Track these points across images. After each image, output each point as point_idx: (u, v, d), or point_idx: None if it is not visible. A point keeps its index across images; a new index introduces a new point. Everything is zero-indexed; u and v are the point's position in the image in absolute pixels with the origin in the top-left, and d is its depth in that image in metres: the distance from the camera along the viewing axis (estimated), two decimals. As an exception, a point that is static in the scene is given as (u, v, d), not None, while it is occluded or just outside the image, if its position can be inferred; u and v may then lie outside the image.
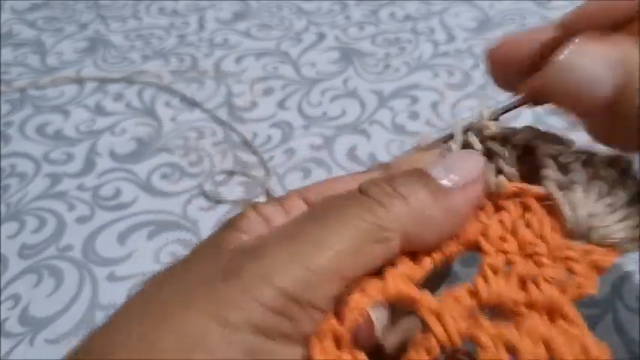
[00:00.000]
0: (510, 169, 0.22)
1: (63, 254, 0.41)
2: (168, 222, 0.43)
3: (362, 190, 0.20)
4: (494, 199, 0.22)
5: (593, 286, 0.20)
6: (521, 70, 0.23)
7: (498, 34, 0.59)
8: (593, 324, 0.35)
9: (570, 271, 0.20)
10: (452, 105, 0.51)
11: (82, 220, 0.44)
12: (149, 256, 0.41)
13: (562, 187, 0.21)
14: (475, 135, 0.23)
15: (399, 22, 0.63)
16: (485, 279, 0.20)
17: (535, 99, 0.22)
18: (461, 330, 0.18)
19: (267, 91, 0.55)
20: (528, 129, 0.23)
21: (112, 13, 0.67)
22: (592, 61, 0.20)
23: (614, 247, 0.21)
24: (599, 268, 0.20)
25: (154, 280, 0.20)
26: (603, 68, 0.19)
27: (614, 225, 0.21)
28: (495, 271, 0.20)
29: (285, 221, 0.20)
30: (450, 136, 0.23)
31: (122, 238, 0.42)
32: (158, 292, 0.19)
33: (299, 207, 0.22)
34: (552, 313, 0.19)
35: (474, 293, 0.20)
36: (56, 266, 0.41)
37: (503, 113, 0.23)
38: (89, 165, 0.48)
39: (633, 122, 0.19)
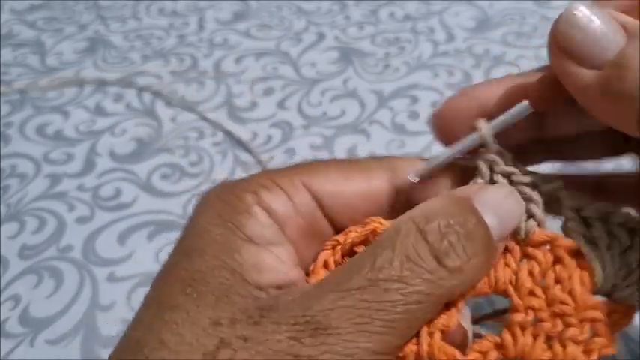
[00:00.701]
0: (542, 216, 0.22)
1: (63, 255, 0.41)
2: (169, 222, 0.43)
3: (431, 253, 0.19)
4: (522, 243, 0.22)
5: (614, 348, 0.20)
6: (465, 128, 0.23)
7: (498, 33, 0.59)
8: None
9: (595, 331, 0.20)
10: (452, 105, 0.51)
11: (82, 220, 0.44)
12: (149, 257, 0.41)
13: (586, 241, 0.21)
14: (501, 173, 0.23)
15: (398, 21, 0.63)
16: (514, 335, 0.20)
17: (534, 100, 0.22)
18: None
19: (267, 91, 0.55)
20: (556, 179, 0.23)
21: (112, 14, 0.67)
22: (606, 18, 0.19)
23: (633, 305, 0.21)
24: (619, 327, 0.21)
25: (193, 335, 0.18)
26: (614, 28, 0.19)
27: (633, 284, 0.21)
28: (523, 329, 0.20)
29: (334, 276, 0.19)
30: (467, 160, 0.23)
31: (122, 238, 0.42)
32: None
33: (308, 207, 0.21)
34: None
35: (500, 347, 0.20)
36: (56, 267, 0.41)
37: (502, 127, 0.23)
38: (89, 165, 0.48)
39: (629, 100, 0.18)
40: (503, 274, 0.21)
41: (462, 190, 0.21)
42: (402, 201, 0.23)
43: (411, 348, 0.19)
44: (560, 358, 0.20)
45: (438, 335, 0.20)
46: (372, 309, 0.17)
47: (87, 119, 0.53)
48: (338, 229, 0.23)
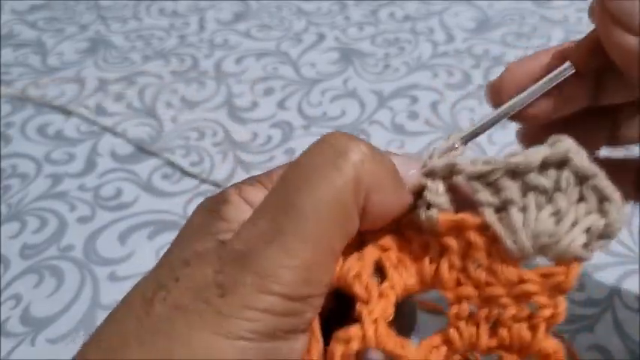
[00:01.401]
0: (438, 199, 0.21)
1: (64, 254, 0.41)
2: (169, 222, 0.43)
3: (331, 144, 0.21)
4: (436, 236, 0.21)
5: (562, 313, 0.19)
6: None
7: (497, 34, 0.59)
8: (592, 324, 0.35)
9: (535, 304, 0.19)
10: (451, 105, 0.52)
11: (83, 220, 0.44)
12: (150, 256, 0.41)
13: (498, 209, 0.20)
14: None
15: (398, 22, 0.63)
16: (457, 329, 0.20)
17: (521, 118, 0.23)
18: None
19: (268, 92, 0.55)
20: (447, 160, 0.21)
21: (113, 14, 0.67)
22: None
23: (575, 258, 0.19)
24: (563, 289, 0.19)
25: (139, 290, 0.20)
26: None
27: (565, 236, 0.19)
28: (464, 319, 0.20)
29: (261, 204, 0.20)
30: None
31: (123, 238, 0.42)
32: (150, 308, 0.18)
33: None
34: (528, 352, 0.19)
35: (448, 342, 0.20)
36: (57, 266, 0.41)
37: (472, 137, 0.23)
38: (90, 165, 0.48)
39: None
40: (430, 270, 0.21)
41: None
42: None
43: (355, 332, 0.19)
44: (508, 340, 0.19)
45: (383, 323, 0.19)
46: (283, 224, 0.18)
47: (88, 119, 0.53)
48: None
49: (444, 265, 0.20)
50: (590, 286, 0.37)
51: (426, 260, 0.21)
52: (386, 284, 0.20)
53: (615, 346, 0.34)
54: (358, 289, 0.20)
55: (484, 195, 0.20)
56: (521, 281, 0.19)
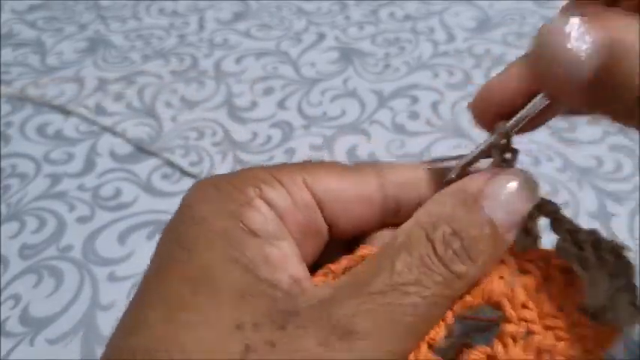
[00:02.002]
0: (539, 234, 0.22)
1: (63, 254, 0.41)
2: (169, 222, 0.43)
3: (426, 251, 0.19)
4: (518, 259, 0.22)
5: None
6: (504, 110, 0.23)
7: (498, 33, 0.59)
8: (593, 324, 0.35)
9: (584, 348, 0.20)
10: (452, 105, 0.52)
11: (82, 220, 0.44)
12: (149, 257, 0.41)
13: (578, 261, 0.21)
14: None
15: (398, 21, 0.63)
16: (505, 346, 0.20)
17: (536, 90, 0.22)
18: None
19: (267, 91, 0.55)
20: (554, 204, 0.23)
21: (112, 14, 0.67)
22: (575, 42, 0.17)
23: (617, 327, 0.21)
24: (604, 348, 0.21)
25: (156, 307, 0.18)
26: (587, 50, 0.17)
27: (621, 307, 0.21)
28: (515, 340, 0.20)
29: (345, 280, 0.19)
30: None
31: (122, 238, 0.42)
32: (174, 335, 0.17)
33: (308, 204, 0.21)
34: None
35: (491, 358, 0.20)
36: (56, 266, 0.41)
37: (519, 128, 0.23)
38: (89, 165, 0.48)
39: (627, 94, 0.17)
40: (498, 285, 0.21)
41: (469, 184, 0.21)
42: (390, 204, 0.23)
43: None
44: None
45: (424, 347, 0.20)
46: (395, 312, 0.18)
47: (87, 119, 0.53)
48: (332, 232, 0.23)
49: (519, 284, 0.21)
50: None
51: (496, 275, 0.22)
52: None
53: (615, 347, 0.34)
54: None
55: (570, 246, 0.22)
56: (583, 324, 0.20)
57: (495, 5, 0.63)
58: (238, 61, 0.59)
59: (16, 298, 0.39)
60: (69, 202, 0.45)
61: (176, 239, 0.20)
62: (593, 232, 0.22)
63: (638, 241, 0.40)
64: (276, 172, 0.22)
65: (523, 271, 0.22)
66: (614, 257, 0.21)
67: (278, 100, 0.54)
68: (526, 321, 0.21)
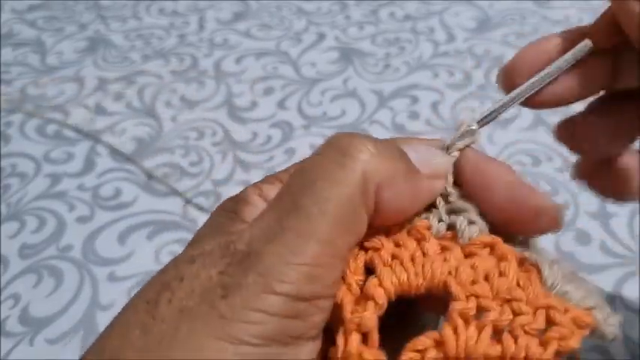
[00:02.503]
0: (484, 224, 0.21)
1: (63, 254, 0.41)
2: (168, 222, 0.43)
3: (335, 144, 0.19)
4: (464, 247, 0.20)
5: (576, 340, 0.17)
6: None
7: (498, 34, 0.59)
8: (592, 324, 0.35)
9: (551, 321, 0.18)
10: (452, 105, 0.52)
11: (82, 220, 0.44)
12: (149, 256, 0.41)
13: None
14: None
15: (398, 21, 0.63)
16: (455, 329, 0.17)
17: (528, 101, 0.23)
18: None
19: (267, 91, 0.55)
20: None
21: (112, 13, 0.67)
22: None
23: (589, 311, 0.19)
24: (580, 325, 0.18)
25: (143, 292, 0.19)
26: None
27: (583, 298, 0.19)
28: (466, 319, 0.18)
29: (266, 208, 0.19)
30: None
31: (122, 238, 0.42)
32: (155, 311, 0.18)
33: None
34: None
35: (440, 344, 0.17)
36: (56, 266, 0.41)
37: (488, 120, 0.23)
38: (89, 165, 0.48)
39: None
40: (441, 266, 0.19)
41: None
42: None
43: (332, 351, 0.18)
44: (511, 352, 0.17)
45: (355, 337, 0.18)
46: (286, 224, 0.18)
47: (87, 118, 0.53)
48: None
49: (466, 264, 0.19)
50: (590, 286, 0.37)
51: (439, 258, 0.19)
52: (373, 280, 0.19)
53: (615, 347, 0.34)
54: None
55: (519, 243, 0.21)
56: (546, 296, 0.18)
57: (495, 5, 0.63)
58: (238, 61, 0.59)
59: (16, 297, 0.39)
60: (69, 202, 0.45)
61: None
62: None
63: (638, 241, 0.40)
64: (278, 174, 0.22)
65: (470, 256, 0.20)
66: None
67: (278, 100, 0.54)
68: (476, 296, 0.18)
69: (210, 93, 0.55)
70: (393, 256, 0.20)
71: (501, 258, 0.19)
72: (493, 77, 0.54)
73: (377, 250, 0.20)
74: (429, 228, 0.21)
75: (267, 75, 0.57)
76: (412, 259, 0.19)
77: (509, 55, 0.61)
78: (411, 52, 0.58)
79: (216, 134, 0.50)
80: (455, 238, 0.20)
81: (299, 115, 0.52)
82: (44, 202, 0.45)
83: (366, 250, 0.20)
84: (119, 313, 0.19)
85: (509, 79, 0.24)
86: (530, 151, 0.46)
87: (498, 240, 0.20)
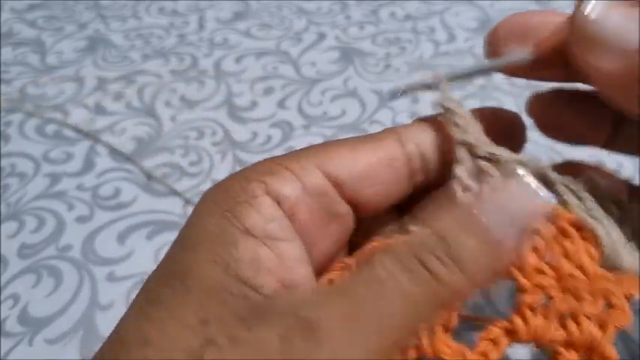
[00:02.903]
0: (547, 194, 0.21)
1: (62, 254, 0.41)
2: (168, 222, 0.43)
3: (407, 260, 0.17)
4: None
5: (629, 318, 0.19)
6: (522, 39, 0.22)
7: (499, 34, 0.59)
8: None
9: (609, 303, 0.19)
10: (452, 105, 0.51)
11: (81, 219, 0.44)
12: (149, 256, 0.41)
13: (586, 213, 0.21)
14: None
15: (399, 21, 0.63)
16: (524, 318, 0.19)
17: (541, 63, 0.22)
18: None
19: (267, 91, 0.55)
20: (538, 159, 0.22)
21: (112, 13, 0.67)
22: (620, 14, 0.18)
23: (635, 275, 0.20)
24: (630, 298, 0.20)
25: (143, 312, 0.17)
26: (632, 22, 0.18)
27: (632, 264, 0.20)
28: (533, 309, 0.20)
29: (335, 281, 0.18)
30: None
31: (122, 238, 0.42)
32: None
33: (321, 188, 0.20)
34: (591, 352, 0.19)
35: (510, 332, 0.19)
36: (55, 266, 0.40)
37: (463, 77, 0.23)
38: (89, 164, 0.48)
39: None
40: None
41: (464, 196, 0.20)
42: (416, 164, 0.22)
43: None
44: (575, 336, 0.19)
45: (439, 330, 0.19)
46: (365, 310, 0.16)
47: (87, 118, 0.53)
48: (359, 208, 0.21)
49: (529, 247, 0.20)
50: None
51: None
52: None
53: (616, 347, 0.34)
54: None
55: (573, 199, 0.21)
56: (605, 278, 0.20)
57: (496, 5, 0.63)
58: (238, 60, 0.59)
59: (15, 297, 0.39)
60: (68, 202, 0.45)
61: (177, 239, 0.19)
62: (589, 181, 0.22)
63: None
64: (284, 160, 0.20)
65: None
66: (616, 205, 0.21)
67: (278, 99, 0.54)
68: (542, 287, 0.20)
69: (210, 93, 0.55)
70: None
71: (562, 232, 0.20)
72: (494, 77, 0.54)
73: None
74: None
75: (267, 75, 0.57)
76: None
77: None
78: (411, 52, 0.58)
79: (216, 134, 0.50)
80: None
81: (299, 114, 0.52)
82: (43, 202, 0.45)
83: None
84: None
85: (494, 41, 0.24)
86: (529, 152, 0.46)
87: (557, 210, 0.21)
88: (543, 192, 0.20)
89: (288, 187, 0.19)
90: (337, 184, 0.20)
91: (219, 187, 0.20)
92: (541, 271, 0.20)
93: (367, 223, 0.22)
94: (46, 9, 0.68)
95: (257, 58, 0.59)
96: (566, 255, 0.20)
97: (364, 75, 0.56)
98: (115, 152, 0.49)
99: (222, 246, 0.18)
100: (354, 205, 0.21)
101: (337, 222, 0.21)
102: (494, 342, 0.19)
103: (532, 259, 0.20)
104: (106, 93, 0.56)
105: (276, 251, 0.19)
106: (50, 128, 0.52)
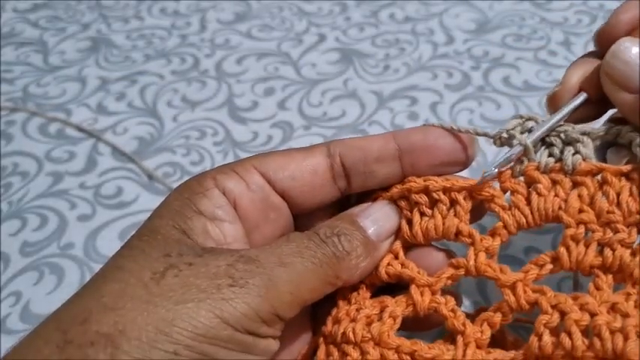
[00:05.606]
0: (588, 152, 0.25)
1: (64, 252, 0.42)
2: (169, 220, 0.43)
3: (316, 243, 0.24)
4: (569, 175, 0.25)
5: None
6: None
7: (497, 35, 0.60)
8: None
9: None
10: (451, 106, 0.52)
11: (83, 218, 0.44)
12: (150, 255, 0.41)
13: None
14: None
15: (398, 23, 0.63)
16: (568, 248, 0.24)
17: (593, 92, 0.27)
18: (529, 298, 0.23)
19: (268, 92, 0.55)
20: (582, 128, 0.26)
21: (114, 13, 0.67)
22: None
23: None
24: None
25: (146, 265, 0.22)
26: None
27: None
28: (576, 241, 0.24)
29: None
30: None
31: (123, 236, 0.43)
32: (161, 280, 0.21)
33: (258, 183, 0.26)
34: (624, 272, 0.23)
35: (555, 260, 0.24)
36: (57, 264, 0.41)
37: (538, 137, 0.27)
38: (91, 164, 0.49)
39: None
40: (552, 202, 0.25)
41: (354, 209, 0.28)
42: (339, 170, 0.27)
43: (461, 262, 0.25)
44: (609, 261, 0.23)
45: (482, 255, 0.24)
46: (290, 257, 0.23)
47: (89, 118, 0.53)
48: (291, 202, 0.27)
49: (574, 195, 0.24)
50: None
51: (551, 194, 0.25)
52: (498, 224, 0.25)
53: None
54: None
55: (615, 152, 0.26)
56: (639, 212, 0.23)
57: (494, 7, 0.64)
58: (239, 61, 0.59)
59: (17, 295, 0.39)
60: (70, 200, 0.45)
61: (150, 215, 0.26)
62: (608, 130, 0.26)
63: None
64: (233, 164, 0.27)
65: (577, 185, 0.25)
66: None
67: (279, 100, 0.54)
68: (584, 223, 0.24)
69: (211, 93, 0.55)
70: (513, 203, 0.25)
71: (605, 182, 0.24)
72: (492, 78, 0.54)
73: (491, 199, 0.26)
74: (537, 168, 0.26)
75: (268, 75, 0.57)
76: (528, 202, 0.25)
77: (508, 56, 0.62)
78: (410, 54, 0.58)
79: (218, 134, 0.51)
80: (563, 168, 0.25)
81: (299, 115, 0.52)
82: (46, 201, 0.45)
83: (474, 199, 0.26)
84: (114, 275, 0.23)
85: (605, 39, 0.27)
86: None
87: (603, 165, 0.25)
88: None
89: (232, 183, 0.26)
90: (270, 181, 0.27)
91: (184, 183, 0.26)
92: (583, 211, 0.24)
93: (312, 220, 0.28)
94: (49, 9, 0.69)
95: (258, 59, 0.59)
96: (606, 197, 0.24)
97: (364, 76, 0.56)
98: (116, 152, 0.49)
99: (181, 218, 0.24)
100: (286, 199, 0.27)
101: (274, 211, 0.27)
102: (540, 266, 0.24)
103: (576, 203, 0.24)
104: (108, 93, 0.56)
105: (221, 228, 0.25)
106: (53, 127, 0.52)
